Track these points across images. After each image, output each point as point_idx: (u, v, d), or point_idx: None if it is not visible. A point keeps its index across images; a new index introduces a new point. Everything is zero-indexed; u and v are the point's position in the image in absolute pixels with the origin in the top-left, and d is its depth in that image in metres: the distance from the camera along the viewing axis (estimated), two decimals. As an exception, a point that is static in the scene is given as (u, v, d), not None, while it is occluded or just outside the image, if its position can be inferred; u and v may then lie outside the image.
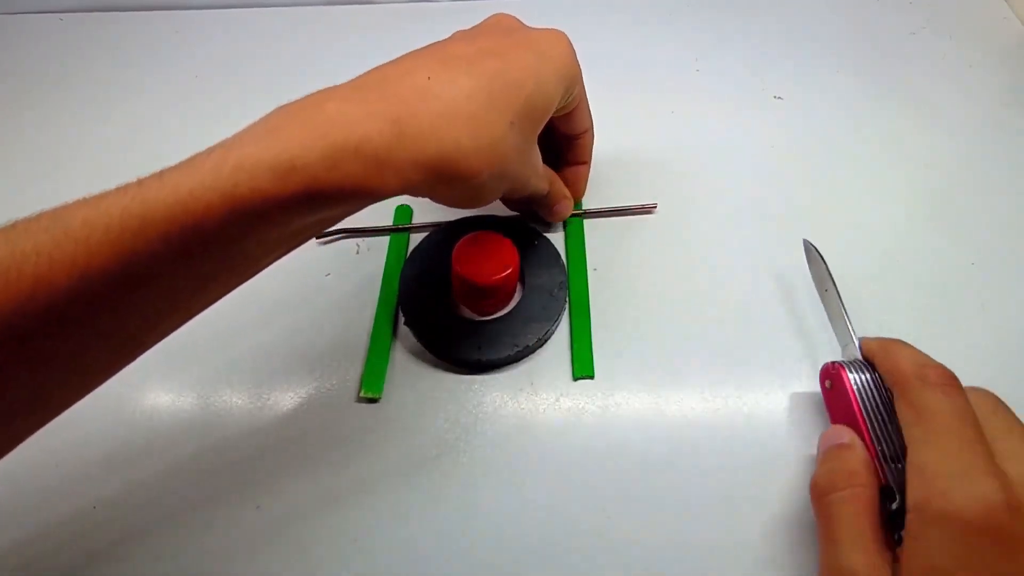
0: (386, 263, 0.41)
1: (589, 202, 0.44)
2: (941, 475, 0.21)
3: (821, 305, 0.36)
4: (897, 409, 0.26)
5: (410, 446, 0.34)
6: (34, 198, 0.47)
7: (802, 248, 0.37)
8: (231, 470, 0.34)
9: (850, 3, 0.59)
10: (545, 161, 0.36)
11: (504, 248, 0.36)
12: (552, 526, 0.31)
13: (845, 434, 0.27)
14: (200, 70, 0.56)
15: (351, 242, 0.43)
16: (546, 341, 0.37)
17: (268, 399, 0.36)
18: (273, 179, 0.21)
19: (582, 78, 0.34)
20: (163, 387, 0.37)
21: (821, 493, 0.25)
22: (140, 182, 0.21)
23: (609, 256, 0.41)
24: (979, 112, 0.49)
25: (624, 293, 0.40)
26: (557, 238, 0.42)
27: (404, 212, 0.44)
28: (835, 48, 0.55)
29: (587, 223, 0.43)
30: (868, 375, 0.29)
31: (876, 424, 0.27)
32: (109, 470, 0.34)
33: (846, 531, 0.23)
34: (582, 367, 0.36)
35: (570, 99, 0.33)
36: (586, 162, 0.41)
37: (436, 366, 0.37)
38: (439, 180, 0.25)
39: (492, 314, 0.37)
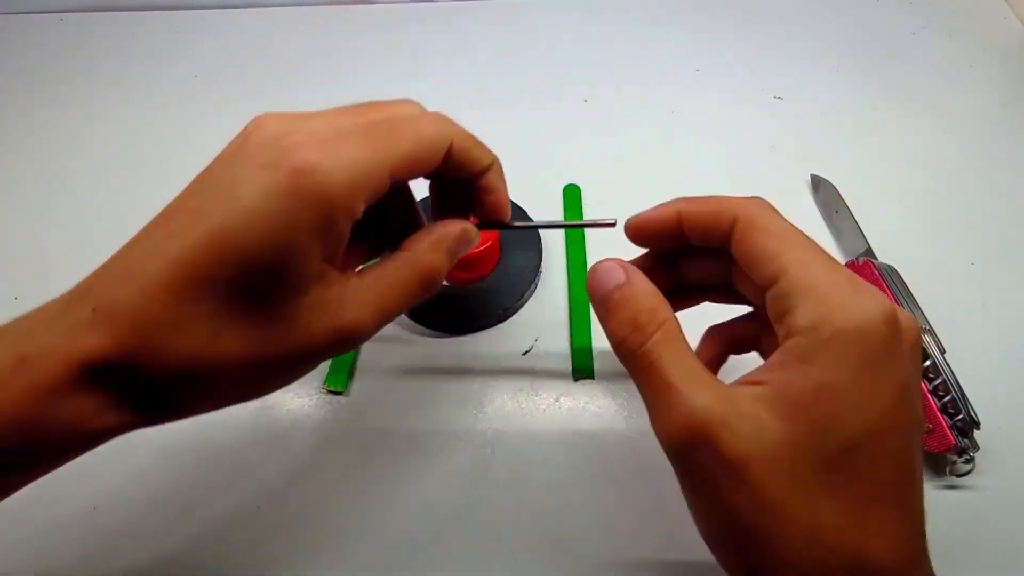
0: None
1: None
2: (835, 291, 0.20)
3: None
4: (749, 243, 0.22)
5: (411, 445, 0.34)
6: (34, 198, 0.47)
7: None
8: (230, 470, 0.34)
9: (850, 3, 0.59)
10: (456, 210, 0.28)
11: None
12: (552, 526, 0.31)
13: (618, 271, 0.23)
14: (200, 70, 0.56)
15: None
16: (506, 318, 0.39)
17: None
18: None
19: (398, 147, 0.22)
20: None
21: (631, 347, 0.22)
22: None
23: (609, 256, 0.41)
24: (979, 112, 0.49)
25: (624, 293, 0.40)
26: (555, 234, 0.42)
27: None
28: (835, 48, 0.55)
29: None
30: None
31: (906, 303, 0.32)
32: (108, 471, 0.34)
33: (679, 373, 0.20)
34: (582, 367, 0.36)
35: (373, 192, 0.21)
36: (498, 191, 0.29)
37: (438, 368, 0.37)
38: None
39: (464, 285, 0.39)
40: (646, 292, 0.23)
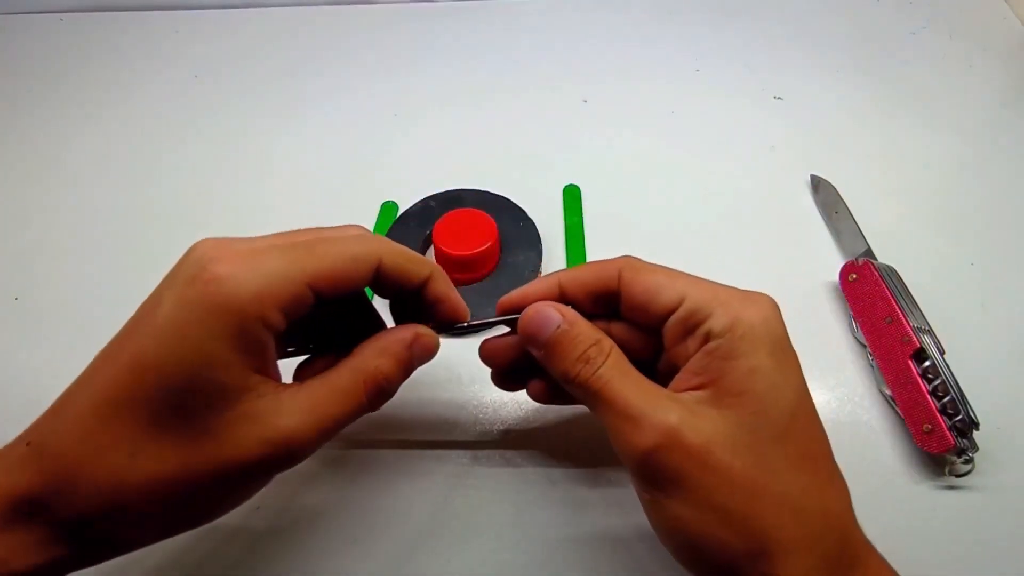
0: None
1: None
2: (734, 299, 0.23)
3: (823, 303, 0.36)
4: (640, 287, 0.25)
5: (411, 445, 0.34)
6: (34, 198, 0.47)
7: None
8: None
9: (850, 3, 0.59)
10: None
11: (485, 226, 0.38)
12: (552, 526, 0.31)
13: (554, 315, 0.24)
14: (200, 70, 0.56)
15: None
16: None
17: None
18: None
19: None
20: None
21: (583, 380, 0.23)
22: None
23: (609, 256, 0.41)
24: (979, 112, 0.49)
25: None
26: (553, 229, 0.42)
27: (389, 208, 0.44)
28: (835, 48, 0.55)
29: (587, 223, 0.43)
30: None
31: (906, 303, 0.34)
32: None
33: (635, 395, 0.22)
34: (582, 367, 0.36)
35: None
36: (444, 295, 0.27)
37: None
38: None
39: (461, 284, 0.39)
40: (587, 328, 0.24)
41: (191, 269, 0.20)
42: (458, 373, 0.37)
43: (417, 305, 0.27)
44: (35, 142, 0.51)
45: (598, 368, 0.23)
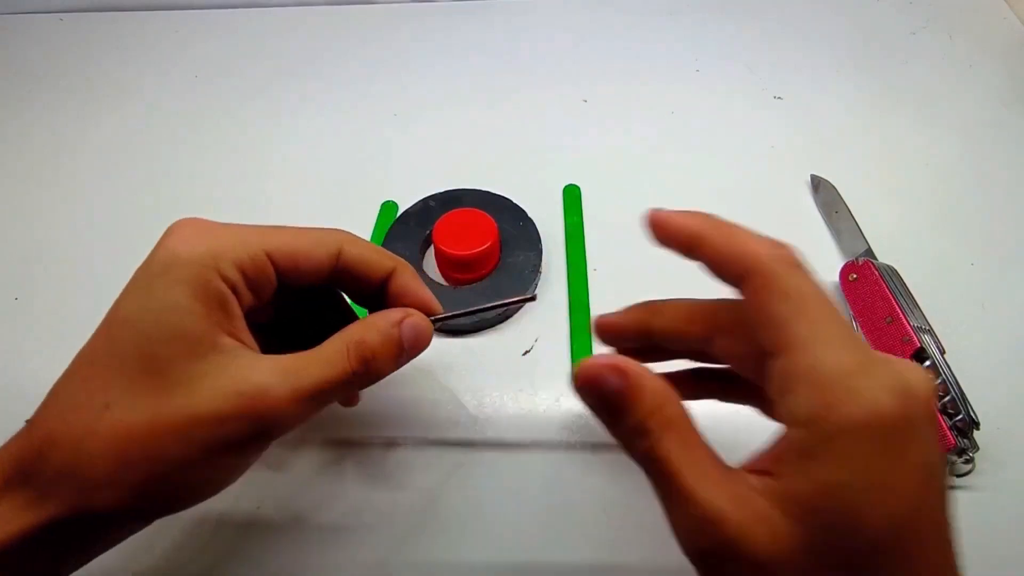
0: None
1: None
2: (841, 376, 0.17)
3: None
4: (759, 303, 0.19)
5: (410, 445, 0.34)
6: (34, 198, 0.47)
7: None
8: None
9: (850, 3, 0.59)
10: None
11: (485, 226, 0.38)
12: (553, 525, 0.31)
13: (612, 375, 0.20)
14: (200, 70, 0.56)
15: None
16: (506, 319, 0.39)
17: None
18: None
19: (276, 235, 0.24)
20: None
21: (640, 450, 0.19)
22: None
23: (609, 256, 0.41)
24: (979, 112, 0.49)
25: (624, 293, 0.40)
26: (553, 229, 0.42)
27: (389, 208, 0.44)
28: (835, 48, 0.55)
29: (587, 223, 0.43)
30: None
31: (906, 303, 0.34)
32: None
33: (691, 473, 0.18)
34: (582, 367, 0.36)
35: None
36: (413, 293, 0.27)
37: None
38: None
39: (461, 284, 0.39)
40: (650, 391, 0.19)
41: (161, 239, 0.22)
42: (448, 368, 0.37)
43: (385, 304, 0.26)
44: (35, 142, 0.51)
45: (657, 439, 0.19)
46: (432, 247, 0.40)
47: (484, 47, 0.57)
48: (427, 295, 0.27)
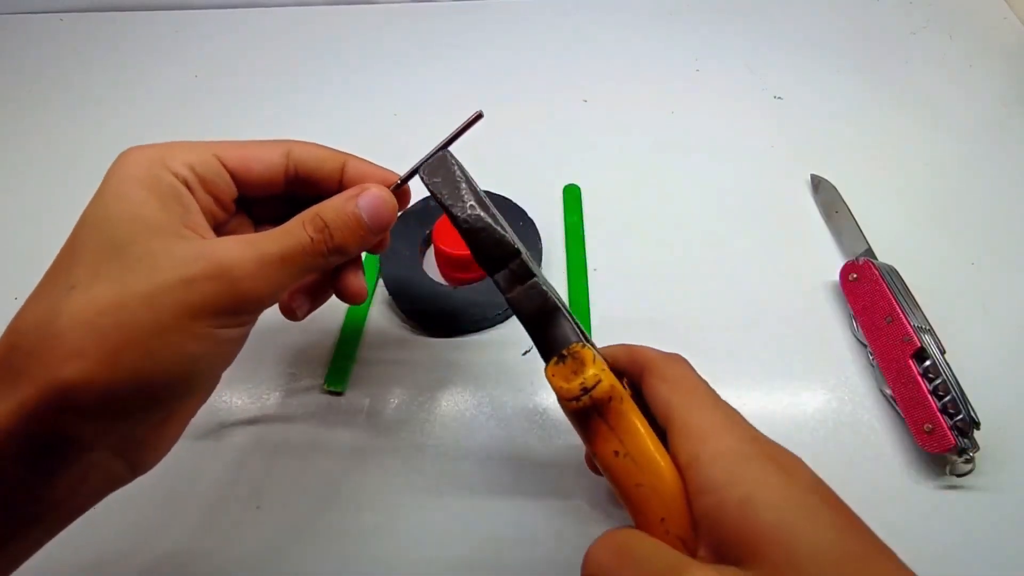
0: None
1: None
2: (704, 433, 0.22)
3: (823, 303, 0.36)
4: (651, 391, 0.24)
5: (411, 446, 0.34)
6: (34, 198, 0.47)
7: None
8: (229, 469, 0.34)
9: (850, 3, 0.59)
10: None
11: None
12: (554, 525, 0.31)
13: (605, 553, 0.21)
14: (200, 70, 0.56)
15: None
16: (505, 319, 0.39)
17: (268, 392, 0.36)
18: None
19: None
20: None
21: None
22: None
23: (609, 256, 0.41)
24: (979, 112, 0.49)
25: (624, 292, 0.40)
26: (553, 229, 0.42)
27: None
28: (835, 48, 0.55)
29: (587, 223, 0.43)
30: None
31: (906, 303, 0.34)
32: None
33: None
34: (582, 367, 0.36)
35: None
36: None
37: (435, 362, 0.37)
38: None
39: (461, 284, 0.39)
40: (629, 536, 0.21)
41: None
42: (448, 367, 0.37)
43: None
44: (35, 142, 0.51)
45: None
46: (432, 247, 0.40)
47: (484, 47, 0.57)
48: (384, 172, 0.27)
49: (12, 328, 0.21)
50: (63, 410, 0.20)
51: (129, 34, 0.60)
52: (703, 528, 0.20)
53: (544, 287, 0.25)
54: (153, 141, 0.24)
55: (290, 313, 0.28)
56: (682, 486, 0.21)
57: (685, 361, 0.26)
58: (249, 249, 0.22)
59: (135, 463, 0.24)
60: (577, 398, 0.22)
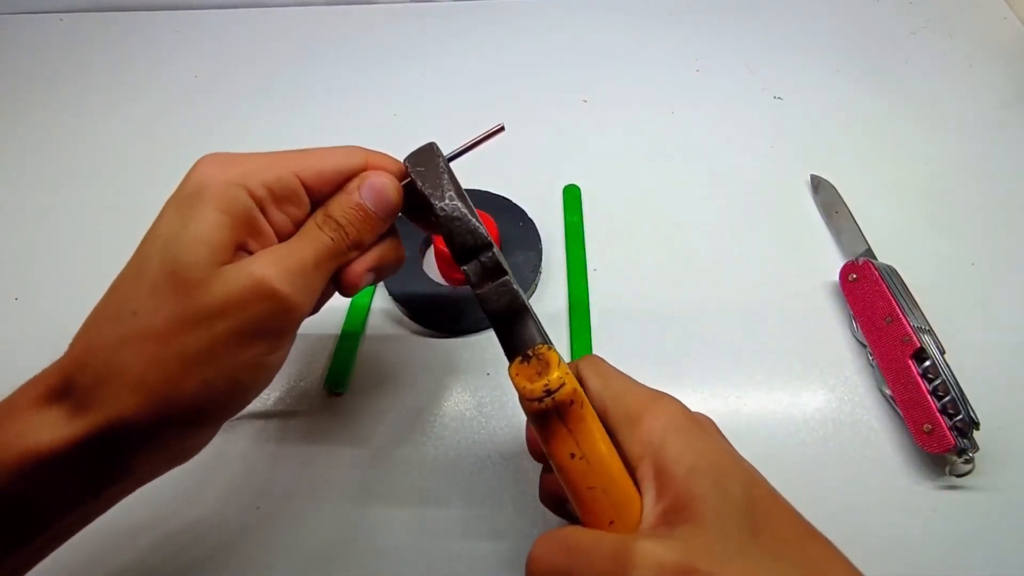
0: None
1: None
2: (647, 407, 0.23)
3: (823, 303, 0.36)
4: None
5: (411, 446, 0.34)
6: (34, 198, 0.47)
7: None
8: (230, 469, 0.34)
9: (850, 3, 0.59)
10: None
11: (485, 226, 0.38)
12: (555, 524, 0.31)
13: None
14: (200, 70, 0.56)
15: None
16: None
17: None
18: None
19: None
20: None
21: None
22: None
23: (609, 256, 0.41)
24: (979, 112, 0.49)
25: (624, 292, 0.40)
26: (553, 229, 0.42)
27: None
28: (835, 48, 0.55)
29: (587, 223, 0.43)
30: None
31: (906, 303, 0.34)
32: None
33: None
34: (582, 367, 0.36)
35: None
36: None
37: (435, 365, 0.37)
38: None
39: (461, 284, 0.39)
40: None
41: (188, 171, 0.23)
42: (448, 367, 0.37)
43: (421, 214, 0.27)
44: (35, 142, 0.51)
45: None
46: (432, 247, 0.40)
47: (484, 47, 0.57)
48: (386, 159, 0.27)
49: (80, 346, 0.22)
50: (123, 439, 0.21)
51: (129, 34, 0.60)
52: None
53: (515, 286, 0.25)
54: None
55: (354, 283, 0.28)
56: (633, 490, 0.22)
57: (600, 358, 0.27)
58: (287, 261, 0.23)
59: (179, 462, 0.25)
60: (540, 399, 0.22)
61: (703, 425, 0.23)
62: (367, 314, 0.39)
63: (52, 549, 0.24)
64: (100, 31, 0.61)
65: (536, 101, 0.52)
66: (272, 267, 0.22)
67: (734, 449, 0.23)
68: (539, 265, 0.40)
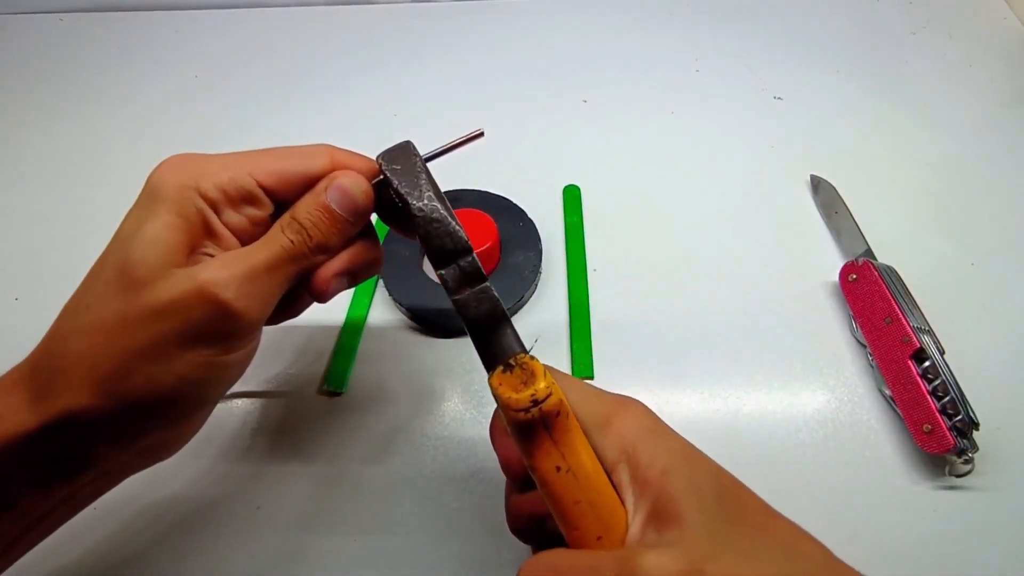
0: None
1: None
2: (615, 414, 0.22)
3: (823, 303, 0.36)
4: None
5: (411, 446, 0.34)
6: (34, 198, 0.47)
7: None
8: (231, 469, 0.34)
9: (850, 3, 0.59)
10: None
11: (484, 226, 0.38)
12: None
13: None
14: (200, 70, 0.56)
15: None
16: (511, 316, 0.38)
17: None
18: None
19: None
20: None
21: None
22: None
23: (609, 256, 0.41)
24: (979, 112, 0.49)
25: (624, 292, 0.40)
26: (553, 229, 0.42)
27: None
28: (835, 48, 0.55)
29: (587, 223, 0.43)
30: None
31: (905, 303, 0.34)
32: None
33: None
34: (582, 367, 0.36)
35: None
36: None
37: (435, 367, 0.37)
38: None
39: None
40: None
41: (149, 174, 0.24)
42: (448, 368, 0.37)
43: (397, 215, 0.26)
44: (35, 142, 0.51)
45: None
46: None
47: (484, 47, 0.57)
48: (364, 159, 0.26)
49: (46, 336, 0.23)
50: (77, 428, 0.21)
51: (129, 34, 0.60)
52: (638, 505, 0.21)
53: (494, 292, 0.24)
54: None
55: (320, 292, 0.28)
56: (618, 501, 0.21)
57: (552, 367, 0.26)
58: (234, 266, 0.22)
59: (154, 458, 0.25)
60: (526, 410, 0.21)
61: (663, 424, 0.23)
62: (367, 315, 0.39)
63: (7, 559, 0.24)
64: (100, 31, 0.61)
65: (536, 101, 0.52)
66: (218, 272, 0.22)
67: (690, 442, 0.22)
68: (539, 265, 0.40)
